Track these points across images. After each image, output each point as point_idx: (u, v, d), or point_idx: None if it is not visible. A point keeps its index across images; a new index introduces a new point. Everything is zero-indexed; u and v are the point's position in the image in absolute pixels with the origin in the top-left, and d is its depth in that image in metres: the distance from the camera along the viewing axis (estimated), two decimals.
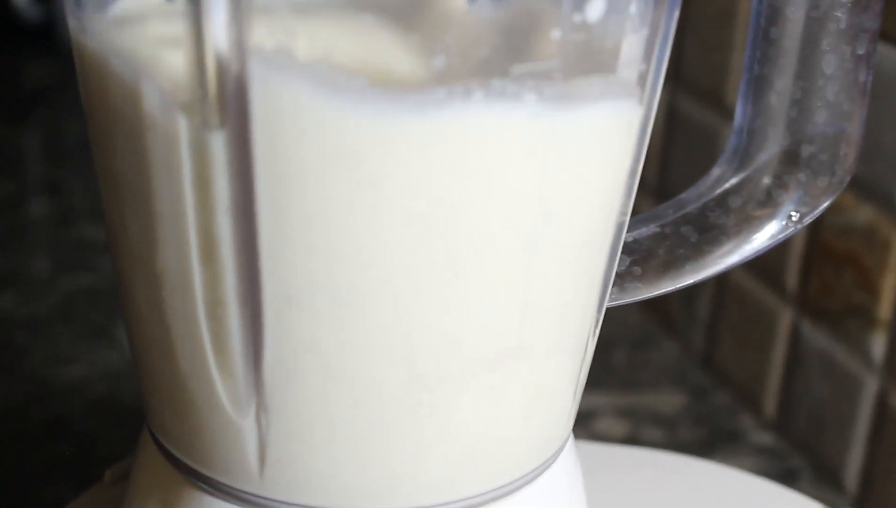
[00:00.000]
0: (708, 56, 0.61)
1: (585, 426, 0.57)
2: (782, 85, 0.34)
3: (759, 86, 0.35)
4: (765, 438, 0.58)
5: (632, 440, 0.57)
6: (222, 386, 0.30)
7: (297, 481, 0.30)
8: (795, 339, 0.56)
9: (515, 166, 0.27)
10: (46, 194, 0.82)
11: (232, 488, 0.31)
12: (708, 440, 0.57)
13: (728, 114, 0.59)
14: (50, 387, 0.58)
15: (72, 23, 0.29)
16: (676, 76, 0.63)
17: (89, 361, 0.61)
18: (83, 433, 0.55)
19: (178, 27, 0.26)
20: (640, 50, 0.29)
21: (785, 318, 0.57)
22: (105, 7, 0.28)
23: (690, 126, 0.63)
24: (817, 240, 0.54)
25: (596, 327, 0.33)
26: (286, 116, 0.26)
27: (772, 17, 0.34)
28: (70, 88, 0.92)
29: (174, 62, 0.26)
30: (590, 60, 0.27)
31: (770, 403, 0.58)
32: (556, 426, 0.33)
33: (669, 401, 0.60)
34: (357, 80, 0.25)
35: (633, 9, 0.28)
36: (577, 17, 0.26)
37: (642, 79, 0.29)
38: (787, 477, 0.54)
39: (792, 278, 0.56)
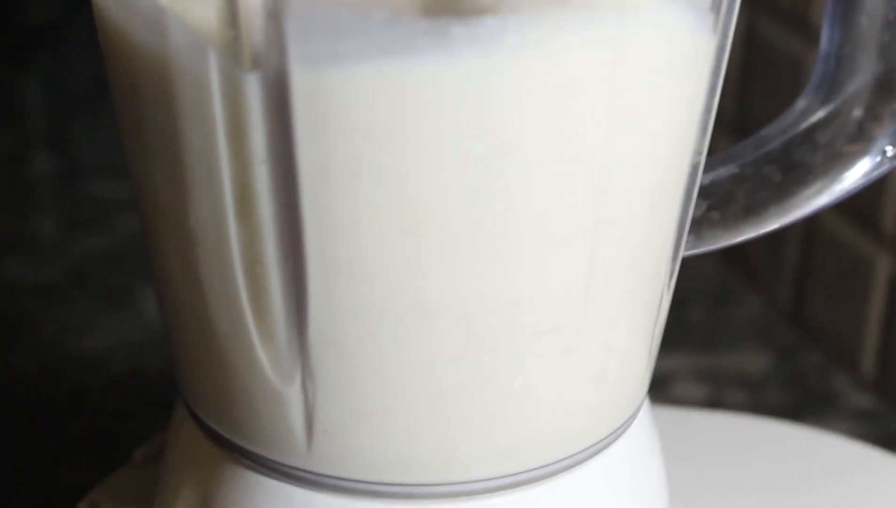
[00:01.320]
0: None
1: (661, 390, 0.58)
2: (873, 5, 0.35)
3: (847, 7, 0.35)
4: (862, 400, 0.58)
5: (713, 405, 0.58)
6: (264, 352, 0.31)
7: (347, 453, 0.32)
8: (895, 289, 0.57)
9: (579, 102, 0.28)
10: (52, 148, 0.83)
11: (277, 463, 0.32)
12: (798, 403, 0.58)
13: (814, 38, 0.60)
14: (66, 360, 0.60)
15: None
16: None
17: (108, 331, 0.62)
18: (104, 410, 0.56)
19: None
20: None
21: (883, 266, 0.57)
22: None
23: (772, 53, 0.63)
24: None
25: (671, 279, 0.34)
26: (326, 55, 0.27)
27: None
28: (77, 27, 0.93)
29: (203, 6, 0.28)
30: None
31: (867, 361, 0.59)
32: (629, 389, 0.34)
33: (754, 362, 0.61)
34: (404, 10, 0.26)
35: None
36: None
37: (717, 3, 0.30)
38: (886, 442, 0.54)
39: (890, 220, 0.56)
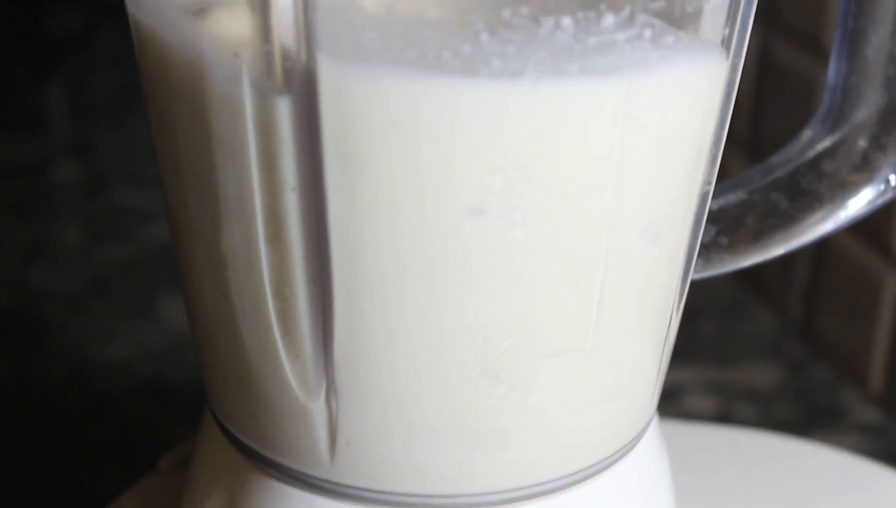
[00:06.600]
0: None
1: (672, 403, 0.59)
2: (879, 39, 0.36)
3: (854, 41, 0.37)
4: (870, 415, 0.59)
5: (722, 418, 0.59)
6: (291, 368, 0.33)
7: (369, 465, 0.33)
8: None
9: (592, 136, 0.30)
10: (75, 157, 0.85)
11: (302, 473, 0.34)
12: (807, 418, 0.59)
13: (827, 59, 0.61)
14: (89, 368, 0.61)
15: None
16: (770, 18, 0.65)
17: (130, 339, 0.63)
18: (127, 418, 0.57)
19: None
20: (723, 14, 0.31)
21: (891, 283, 0.58)
22: None
23: (785, 73, 0.64)
24: None
25: (680, 301, 0.36)
26: (353, 82, 0.28)
27: None
28: (102, 36, 0.94)
29: (237, 25, 0.29)
30: (669, 26, 0.30)
31: (876, 376, 0.60)
32: (639, 406, 0.36)
33: (764, 375, 0.62)
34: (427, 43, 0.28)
35: None
36: None
37: (726, 42, 0.32)
38: (894, 457, 0.56)
39: None
